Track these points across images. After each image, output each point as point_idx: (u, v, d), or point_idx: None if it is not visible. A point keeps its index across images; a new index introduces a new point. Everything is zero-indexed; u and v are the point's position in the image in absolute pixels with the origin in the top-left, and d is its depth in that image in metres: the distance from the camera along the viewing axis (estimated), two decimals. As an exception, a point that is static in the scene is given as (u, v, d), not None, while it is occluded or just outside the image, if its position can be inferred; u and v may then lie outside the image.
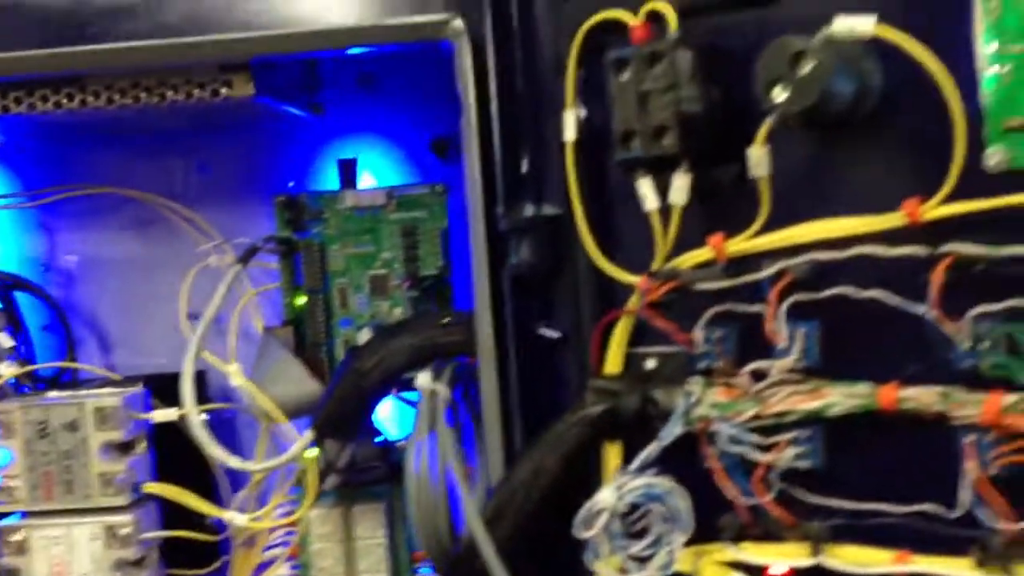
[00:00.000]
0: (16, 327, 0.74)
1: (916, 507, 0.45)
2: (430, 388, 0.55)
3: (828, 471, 0.48)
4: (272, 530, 0.68)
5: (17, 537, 0.65)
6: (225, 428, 0.72)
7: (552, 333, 0.54)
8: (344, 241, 0.70)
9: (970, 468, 0.43)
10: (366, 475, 0.67)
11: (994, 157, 0.43)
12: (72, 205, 0.74)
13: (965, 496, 0.44)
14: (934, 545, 0.45)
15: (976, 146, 0.43)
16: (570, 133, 0.51)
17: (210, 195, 0.75)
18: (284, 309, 0.70)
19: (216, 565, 0.70)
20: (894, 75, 0.44)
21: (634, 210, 0.50)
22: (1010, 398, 0.42)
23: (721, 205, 0.49)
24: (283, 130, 0.74)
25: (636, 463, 0.47)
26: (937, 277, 0.42)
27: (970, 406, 0.43)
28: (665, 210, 0.49)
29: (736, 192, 0.48)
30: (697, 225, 0.49)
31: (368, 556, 0.67)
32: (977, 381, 0.43)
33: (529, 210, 0.54)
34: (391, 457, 0.68)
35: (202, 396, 0.69)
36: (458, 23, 0.53)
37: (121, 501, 0.65)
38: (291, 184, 0.74)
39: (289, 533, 0.68)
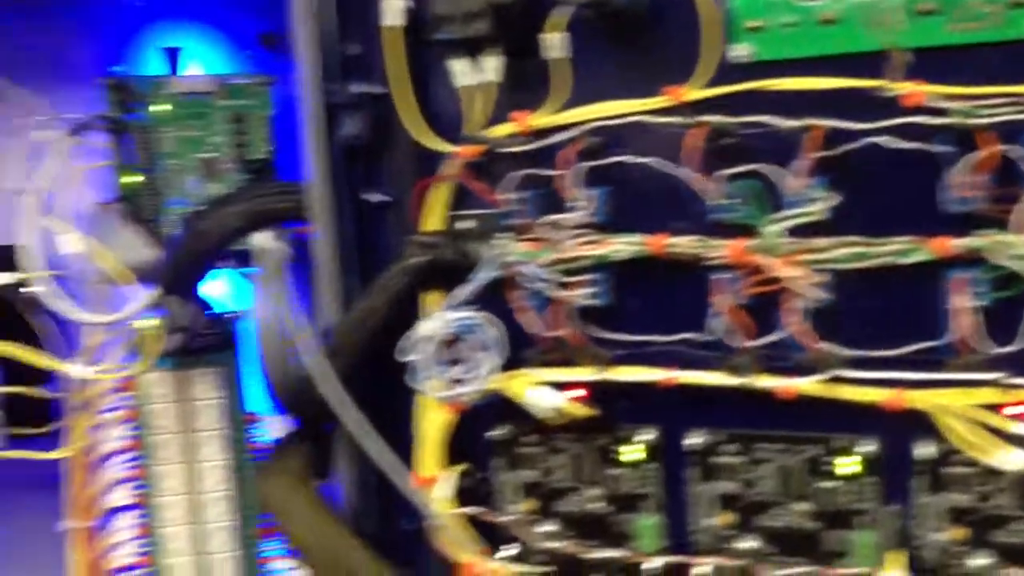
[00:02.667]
0: None
1: (681, 336, 0.56)
2: (272, 246, 0.61)
3: (615, 309, 0.57)
4: (109, 392, 0.72)
5: None
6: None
7: (378, 197, 0.61)
8: (174, 124, 0.73)
9: (719, 300, 0.54)
10: (201, 342, 0.72)
11: (738, 51, 0.54)
12: None
13: (715, 324, 0.54)
14: (697, 366, 0.56)
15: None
16: (393, 19, 0.57)
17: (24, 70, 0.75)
18: (115, 187, 0.73)
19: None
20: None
21: (450, 90, 0.57)
22: (750, 242, 0.53)
23: (528, 85, 0.57)
24: (104, 13, 0.76)
25: (453, 300, 0.56)
26: (691, 140, 0.52)
27: (721, 249, 0.54)
28: (476, 88, 0.56)
29: (541, 74, 0.57)
30: (506, 102, 0.57)
31: (205, 415, 0.72)
32: (724, 231, 0.54)
33: (357, 88, 0.60)
34: (224, 328, 0.73)
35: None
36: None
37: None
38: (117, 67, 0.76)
39: (125, 399, 0.72)
